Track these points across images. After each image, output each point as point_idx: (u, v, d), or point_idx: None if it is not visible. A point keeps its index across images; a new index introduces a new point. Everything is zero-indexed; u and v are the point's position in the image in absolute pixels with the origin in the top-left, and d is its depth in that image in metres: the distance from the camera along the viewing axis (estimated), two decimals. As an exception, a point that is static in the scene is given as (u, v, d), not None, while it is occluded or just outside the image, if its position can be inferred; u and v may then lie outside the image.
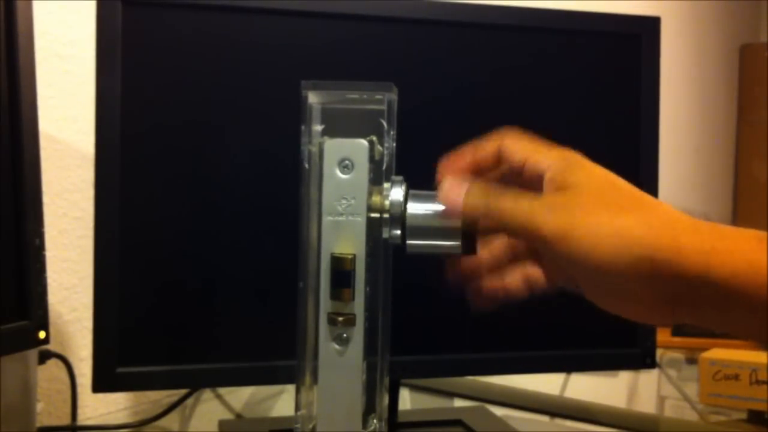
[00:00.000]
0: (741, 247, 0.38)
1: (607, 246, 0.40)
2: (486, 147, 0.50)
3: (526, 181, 0.47)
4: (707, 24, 2.25)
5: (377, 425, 0.53)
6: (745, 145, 2.49)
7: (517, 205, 0.45)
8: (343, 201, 0.50)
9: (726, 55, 2.41)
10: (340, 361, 0.50)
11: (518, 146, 0.48)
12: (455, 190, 0.47)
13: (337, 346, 0.50)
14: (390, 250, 0.52)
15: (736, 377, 1.02)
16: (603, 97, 0.81)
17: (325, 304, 0.50)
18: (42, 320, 0.69)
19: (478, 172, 0.50)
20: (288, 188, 0.72)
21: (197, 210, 0.71)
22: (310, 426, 0.53)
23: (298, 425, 0.52)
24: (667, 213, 0.42)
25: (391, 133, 0.51)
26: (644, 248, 0.40)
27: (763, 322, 0.38)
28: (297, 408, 0.53)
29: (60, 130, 0.92)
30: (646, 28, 0.82)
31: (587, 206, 0.42)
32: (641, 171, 0.82)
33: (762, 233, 0.39)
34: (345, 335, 0.50)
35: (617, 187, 0.45)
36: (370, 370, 0.52)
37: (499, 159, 0.49)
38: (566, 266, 0.43)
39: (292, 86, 0.60)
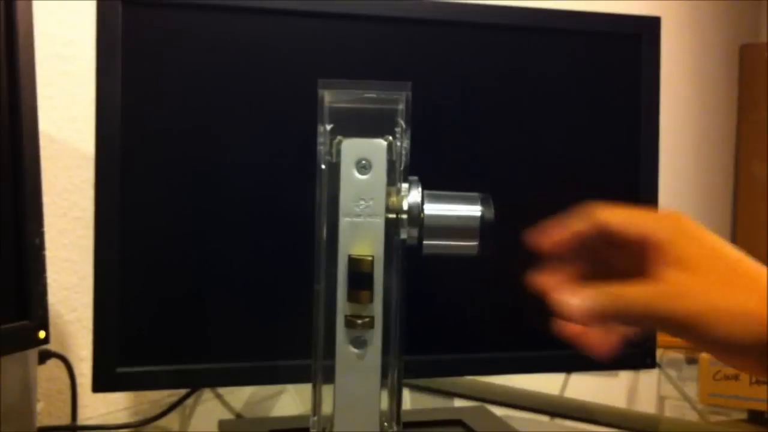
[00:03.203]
0: None
1: (736, 327, 0.43)
2: (580, 220, 0.48)
3: (626, 252, 0.47)
4: (707, 24, 2.25)
5: (393, 426, 0.52)
6: (745, 145, 2.48)
7: (640, 297, 0.45)
8: (361, 202, 0.49)
9: (726, 55, 2.41)
10: (359, 364, 0.50)
11: (615, 214, 0.47)
12: (572, 299, 0.47)
13: (354, 349, 0.50)
14: (405, 251, 0.51)
15: (736, 377, 1.02)
16: (603, 97, 0.81)
17: (342, 306, 0.50)
18: (42, 320, 0.69)
19: (574, 249, 0.49)
20: (289, 188, 0.72)
21: (197, 209, 0.71)
22: (326, 428, 0.52)
23: (314, 430, 0.52)
24: None
25: (408, 132, 0.51)
26: (762, 326, 0.42)
27: None
28: (314, 411, 0.52)
29: (60, 130, 0.92)
30: (646, 28, 0.82)
31: (711, 289, 0.43)
32: (641, 171, 0.82)
33: None
34: (363, 337, 0.50)
35: (728, 258, 0.45)
36: (384, 371, 0.51)
37: (595, 232, 0.48)
38: (688, 340, 0.44)
39: (292, 86, 0.61)
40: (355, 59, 0.74)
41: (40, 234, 0.69)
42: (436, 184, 0.55)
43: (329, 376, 0.51)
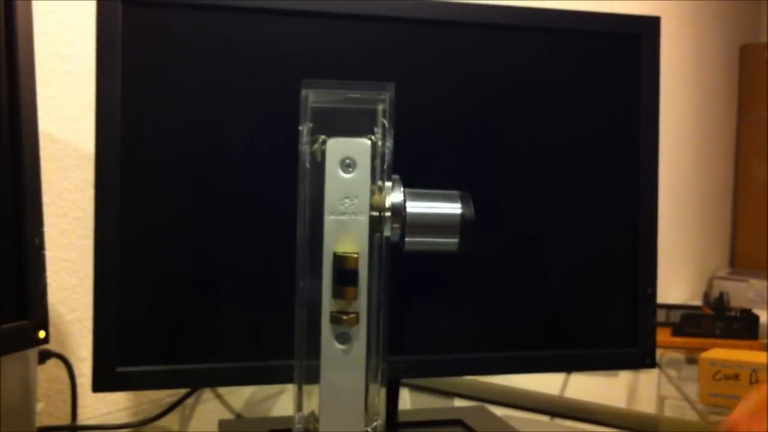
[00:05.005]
0: None
1: None
2: None
3: None
4: (707, 24, 2.25)
5: (377, 422, 0.53)
6: (745, 145, 2.49)
7: None
8: (346, 200, 0.50)
9: (726, 55, 2.41)
10: (344, 360, 0.50)
11: None
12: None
13: (339, 345, 0.50)
14: (390, 248, 0.52)
15: (736, 377, 1.02)
16: (603, 97, 0.81)
17: (327, 303, 0.50)
18: (42, 320, 0.69)
19: None
20: (287, 188, 0.72)
21: (197, 210, 0.71)
22: (312, 425, 0.53)
23: (299, 425, 0.52)
24: None
25: (391, 132, 0.52)
26: None
27: None
28: (297, 408, 0.53)
29: (60, 130, 0.92)
30: (646, 28, 0.82)
31: None
32: (641, 171, 0.82)
33: None
34: (348, 334, 0.50)
35: None
36: (369, 367, 0.52)
37: None
38: None
39: (292, 86, 0.60)
40: (354, 59, 0.75)
41: (40, 234, 0.69)
42: (436, 183, 0.55)
43: (314, 374, 0.51)
